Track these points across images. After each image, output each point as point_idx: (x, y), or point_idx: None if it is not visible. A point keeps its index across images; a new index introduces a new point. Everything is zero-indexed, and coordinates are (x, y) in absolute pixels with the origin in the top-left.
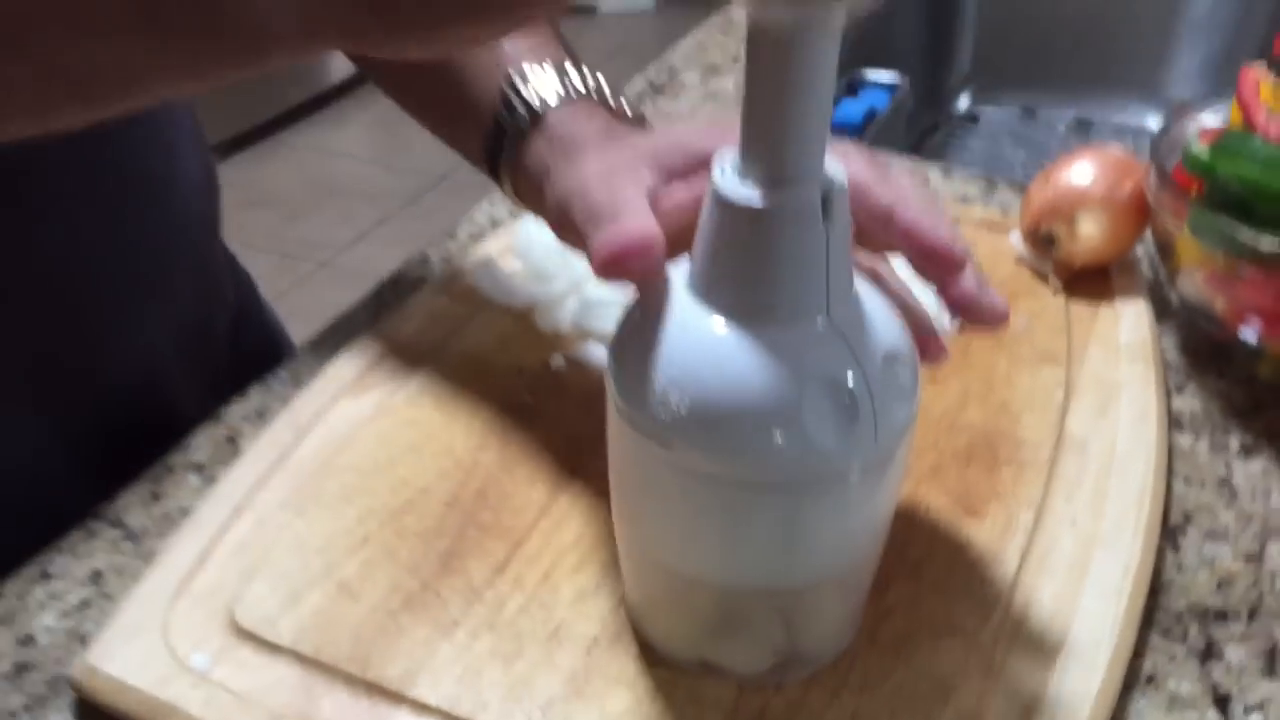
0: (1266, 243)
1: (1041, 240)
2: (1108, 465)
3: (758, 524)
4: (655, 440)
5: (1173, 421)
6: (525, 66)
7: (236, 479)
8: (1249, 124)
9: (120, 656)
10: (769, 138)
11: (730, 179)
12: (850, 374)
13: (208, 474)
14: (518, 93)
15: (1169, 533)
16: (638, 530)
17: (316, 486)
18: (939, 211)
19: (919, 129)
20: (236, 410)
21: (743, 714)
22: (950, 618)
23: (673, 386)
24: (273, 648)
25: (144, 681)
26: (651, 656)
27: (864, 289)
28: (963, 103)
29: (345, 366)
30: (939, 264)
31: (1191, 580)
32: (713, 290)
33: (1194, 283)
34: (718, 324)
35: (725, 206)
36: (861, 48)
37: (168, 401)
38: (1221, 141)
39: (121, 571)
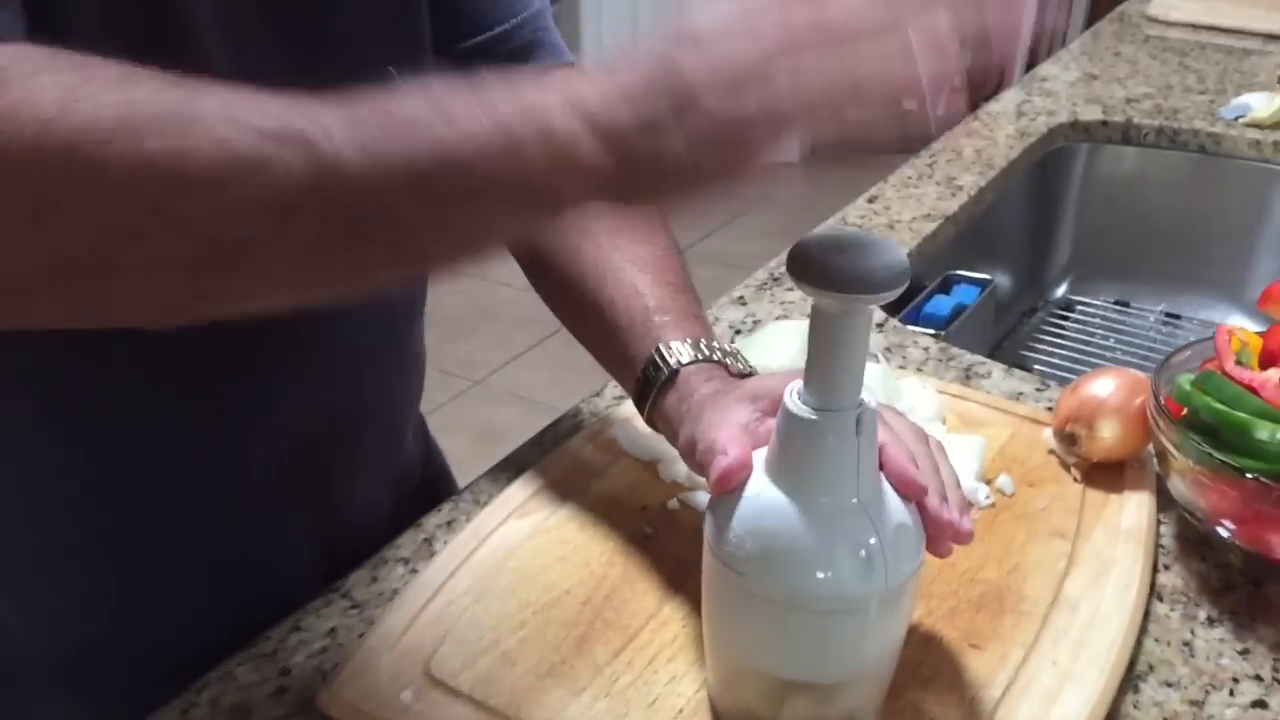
0: (1229, 461)
1: (1066, 438)
2: (1091, 622)
3: (801, 635)
4: (732, 570)
5: (1155, 592)
6: (672, 342)
7: (434, 569)
8: (1220, 369)
9: (352, 688)
10: (820, 378)
11: (795, 400)
12: (871, 539)
13: (411, 565)
14: (664, 358)
15: (1133, 678)
16: (718, 632)
17: (491, 581)
18: (926, 454)
19: (1019, 311)
20: (432, 520)
21: None
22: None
23: (746, 535)
24: (455, 693)
25: (369, 707)
26: None
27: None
28: (1060, 290)
29: (515, 494)
30: (904, 489)
31: (1144, 715)
32: (779, 473)
33: (1182, 484)
34: (780, 497)
35: (790, 418)
36: (967, 244)
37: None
38: (1199, 379)
39: (350, 630)
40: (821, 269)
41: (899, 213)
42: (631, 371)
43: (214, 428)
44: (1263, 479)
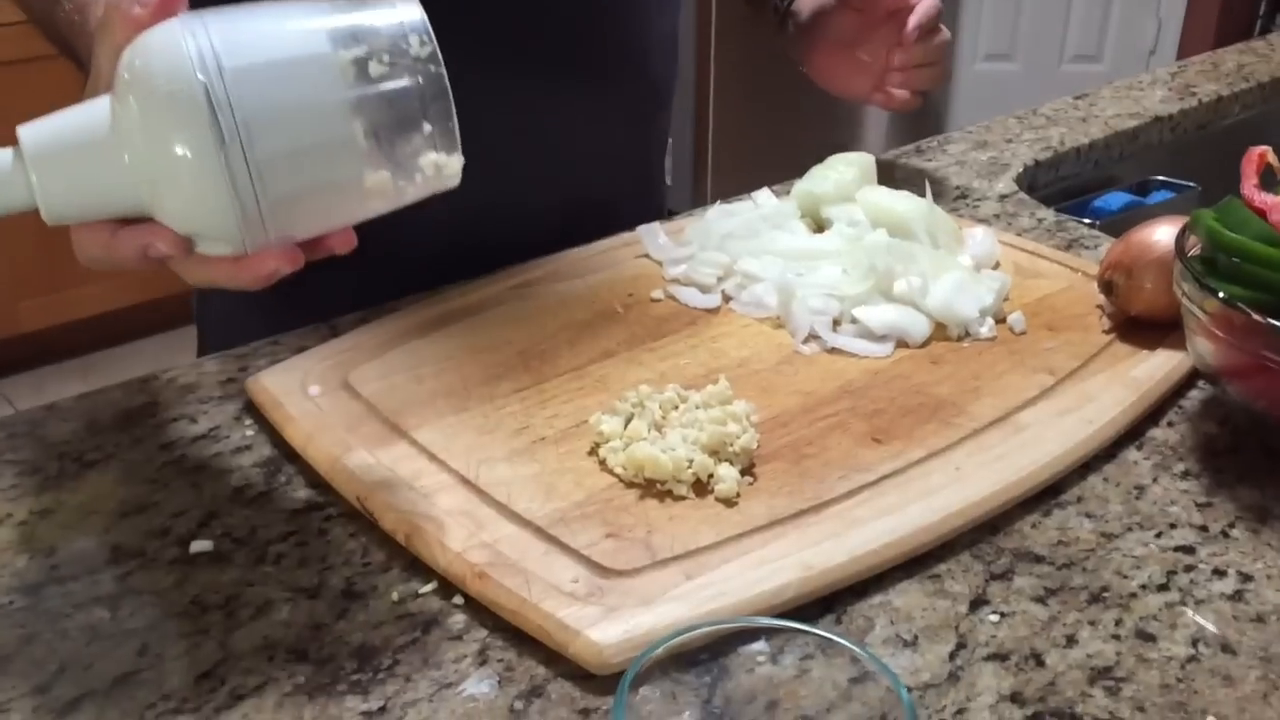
0: (1212, 287)
1: (1106, 286)
2: (1027, 445)
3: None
4: None
5: (1138, 442)
6: None
7: (411, 311)
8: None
9: (273, 378)
10: None
11: None
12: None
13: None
14: None
15: (1048, 504)
16: None
17: (452, 325)
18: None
19: None
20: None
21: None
22: (802, 489)
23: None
24: (356, 395)
25: (278, 393)
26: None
27: None
28: None
29: (533, 271)
30: None
31: (1037, 535)
32: None
33: (1193, 336)
34: None
35: None
36: (1198, 154)
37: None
38: (1220, 206)
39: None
40: None
41: (1103, 109)
42: None
43: None
44: (1254, 314)
